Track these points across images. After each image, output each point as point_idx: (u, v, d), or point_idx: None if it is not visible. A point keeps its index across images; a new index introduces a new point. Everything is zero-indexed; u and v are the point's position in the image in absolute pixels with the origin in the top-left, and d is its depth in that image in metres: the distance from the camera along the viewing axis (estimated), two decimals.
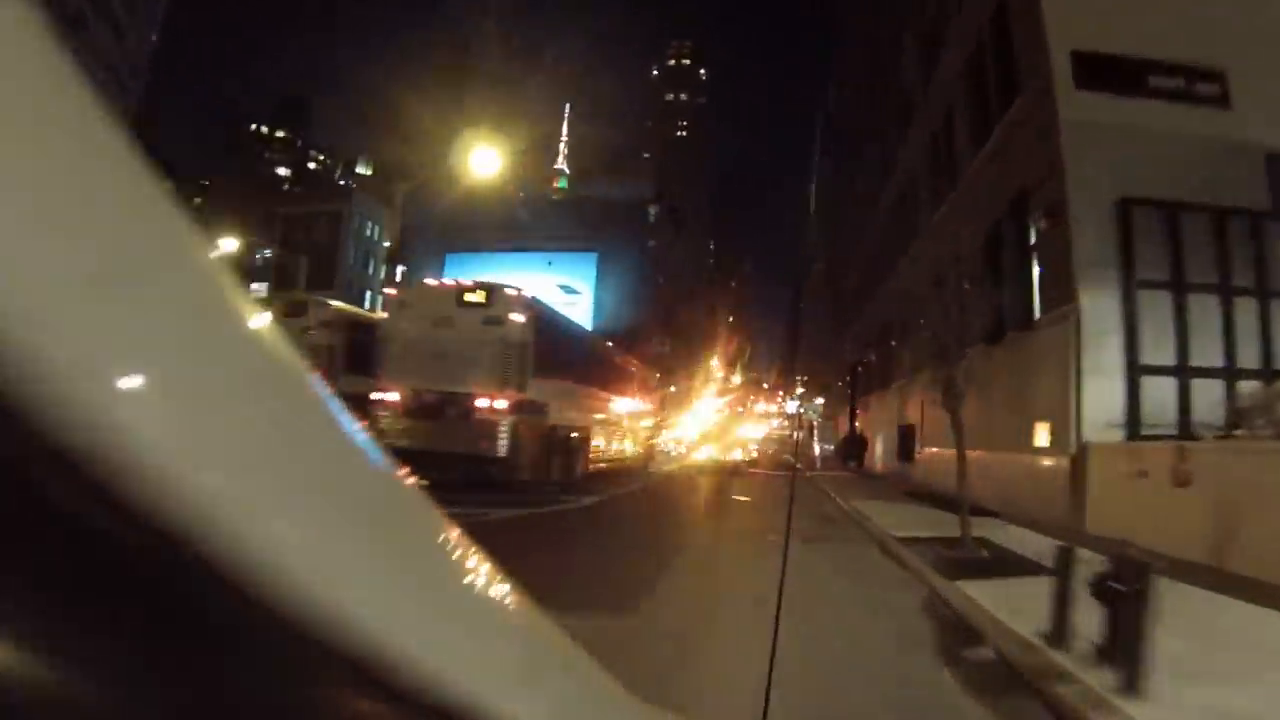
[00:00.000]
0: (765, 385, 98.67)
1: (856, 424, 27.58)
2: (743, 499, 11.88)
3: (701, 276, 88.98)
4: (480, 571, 0.42)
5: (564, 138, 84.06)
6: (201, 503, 0.27)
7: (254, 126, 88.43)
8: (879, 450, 22.22)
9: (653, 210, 58.62)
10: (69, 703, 0.25)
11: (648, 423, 16.68)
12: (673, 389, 49.00)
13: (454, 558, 0.41)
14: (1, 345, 0.23)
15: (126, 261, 0.29)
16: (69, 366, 0.25)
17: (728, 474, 20.32)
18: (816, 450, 25.36)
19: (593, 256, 56.59)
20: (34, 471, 0.25)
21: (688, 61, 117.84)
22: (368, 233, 59.07)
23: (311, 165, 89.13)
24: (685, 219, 75.20)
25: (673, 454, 26.11)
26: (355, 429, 0.37)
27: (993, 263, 12.72)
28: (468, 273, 34.40)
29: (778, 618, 3.33)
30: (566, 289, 55.95)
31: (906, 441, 17.54)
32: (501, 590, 0.43)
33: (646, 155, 73.72)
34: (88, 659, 0.26)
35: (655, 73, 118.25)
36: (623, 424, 14.30)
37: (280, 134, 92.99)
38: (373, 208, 58.91)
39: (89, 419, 0.25)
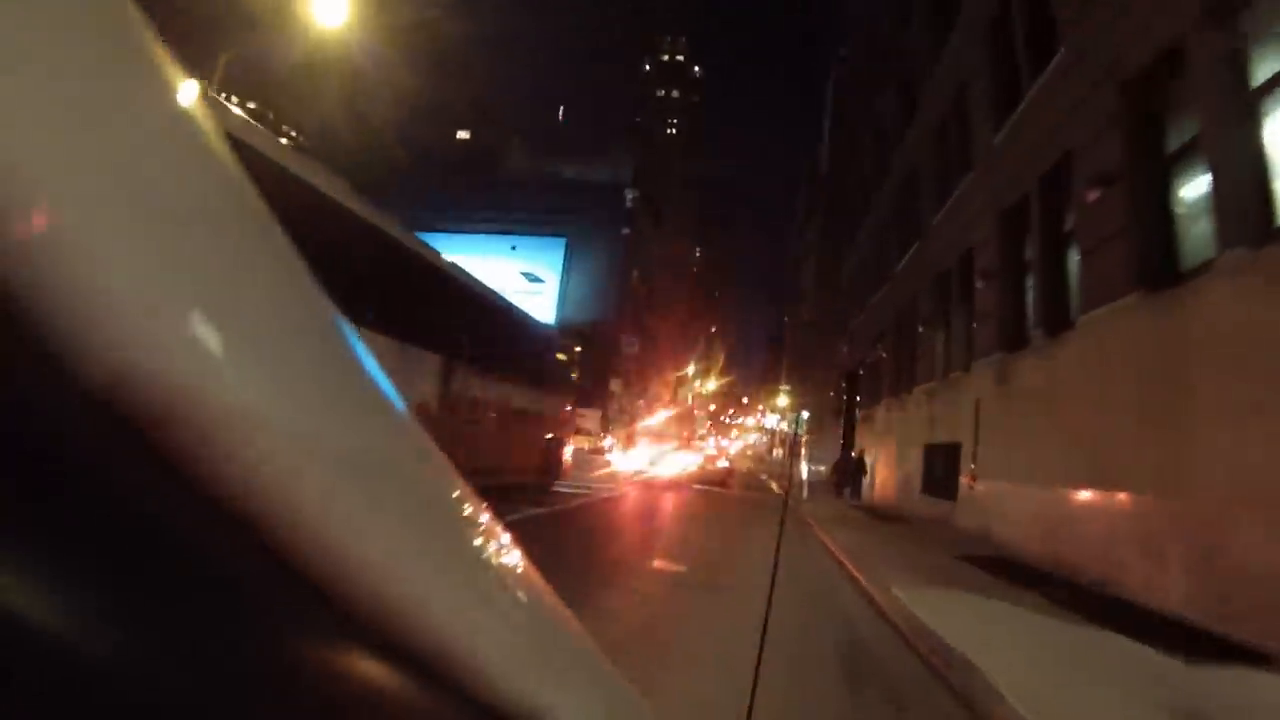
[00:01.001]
0: (745, 400, 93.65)
1: (856, 442, 21.89)
2: (675, 569, 5.97)
3: (683, 281, 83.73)
4: (511, 557, 0.39)
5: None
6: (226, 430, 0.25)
7: (223, 95, 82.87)
8: (888, 477, 16.47)
9: (630, 195, 52.90)
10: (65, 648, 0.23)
11: (547, 417, 10.56)
12: (639, 402, 43.24)
13: (486, 538, 0.38)
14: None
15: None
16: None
17: (680, 501, 14.45)
18: (804, 473, 19.55)
19: (561, 242, 50.82)
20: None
21: (681, 58, 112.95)
22: None
23: (283, 140, 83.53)
24: (665, 211, 69.71)
25: (616, 466, 20.24)
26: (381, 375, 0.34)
27: (1143, 152, 7.08)
28: None
29: None
30: (530, 276, 50.14)
31: (943, 468, 11.81)
32: (532, 581, 0.40)
33: (628, 136, 68.09)
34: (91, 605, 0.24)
35: (646, 67, 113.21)
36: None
37: (251, 105, 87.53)
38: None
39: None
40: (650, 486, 16.67)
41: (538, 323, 11.00)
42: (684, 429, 24.41)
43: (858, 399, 23.20)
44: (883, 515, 13.32)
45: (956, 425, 11.20)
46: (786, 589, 5.39)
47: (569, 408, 11.52)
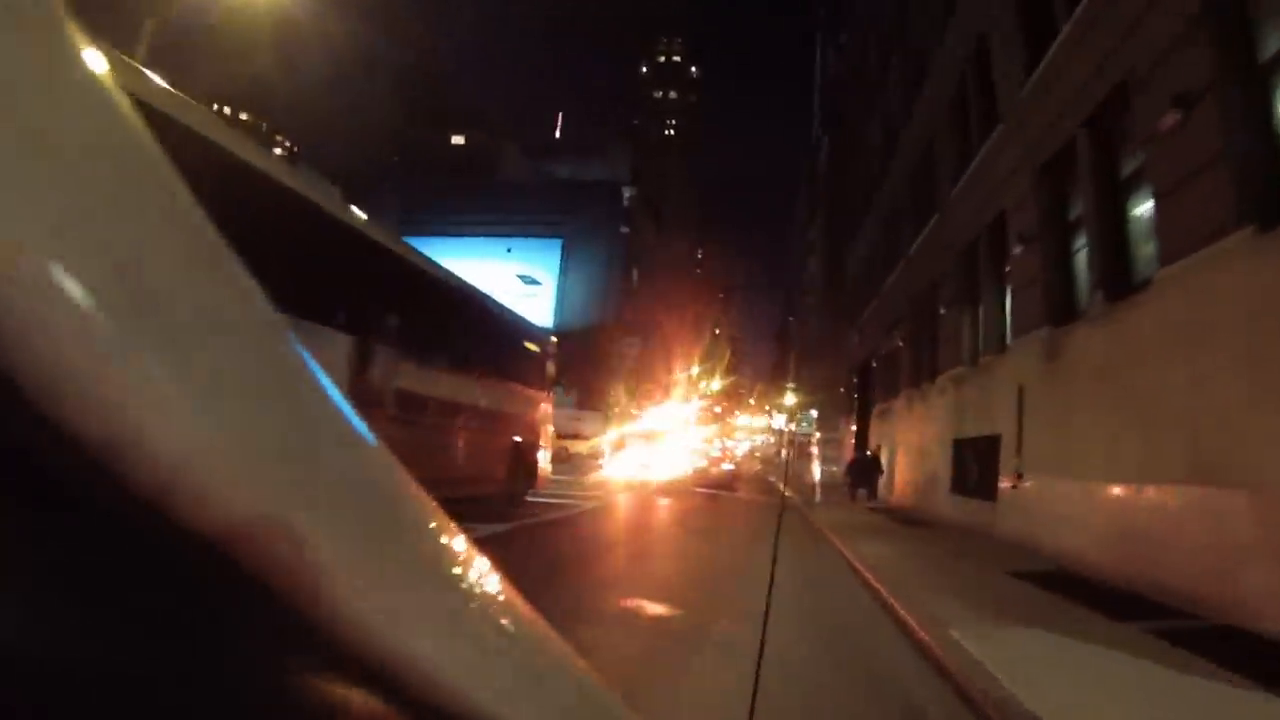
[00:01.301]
0: (751, 401, 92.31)
1: (871, 440, 20.40)
2: (655, 611, 4.48)
3: (686, 282, 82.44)
4: (478, 567, 0.39)
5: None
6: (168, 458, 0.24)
7: (217, 106, 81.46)
8: (909, 477, 14.97)
9: (628, 193, 51.50)
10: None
11: (515, 416, 9.06)
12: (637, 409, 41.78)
13: (447, 546, 0.37)
14: None
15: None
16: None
17: (676, 509, 13.00)
18: (817, 474, 18.03)
19: (557, 243, 49.34)
20: None
21: (678, 58, 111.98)
22: None
23: (278, 151, 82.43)
24: (666, 212, 68.44)
25: (609, 470, 18.81)
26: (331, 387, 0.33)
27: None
28: None
29: None
30: (526, 279, 48.73)
31: (977, 464, 10.33)
32: (500, 589, 0.39)
33: (626, 138, 66.79)
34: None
35: (644, 69, 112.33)
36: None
37: (244, 116, 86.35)
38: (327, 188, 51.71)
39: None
40: (644, 493, 15.20)
41: (500, 305, 9.43)
42: (683, 429, 22.88)
43: (871, 393, 21.71)
44: (906, 520, 11.83)
45: (993, 414, 9.72)
46: (803, 630, 3.97)
47: (545, 407, 10.00)
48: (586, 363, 42.67)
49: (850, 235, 29.58)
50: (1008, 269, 10.21)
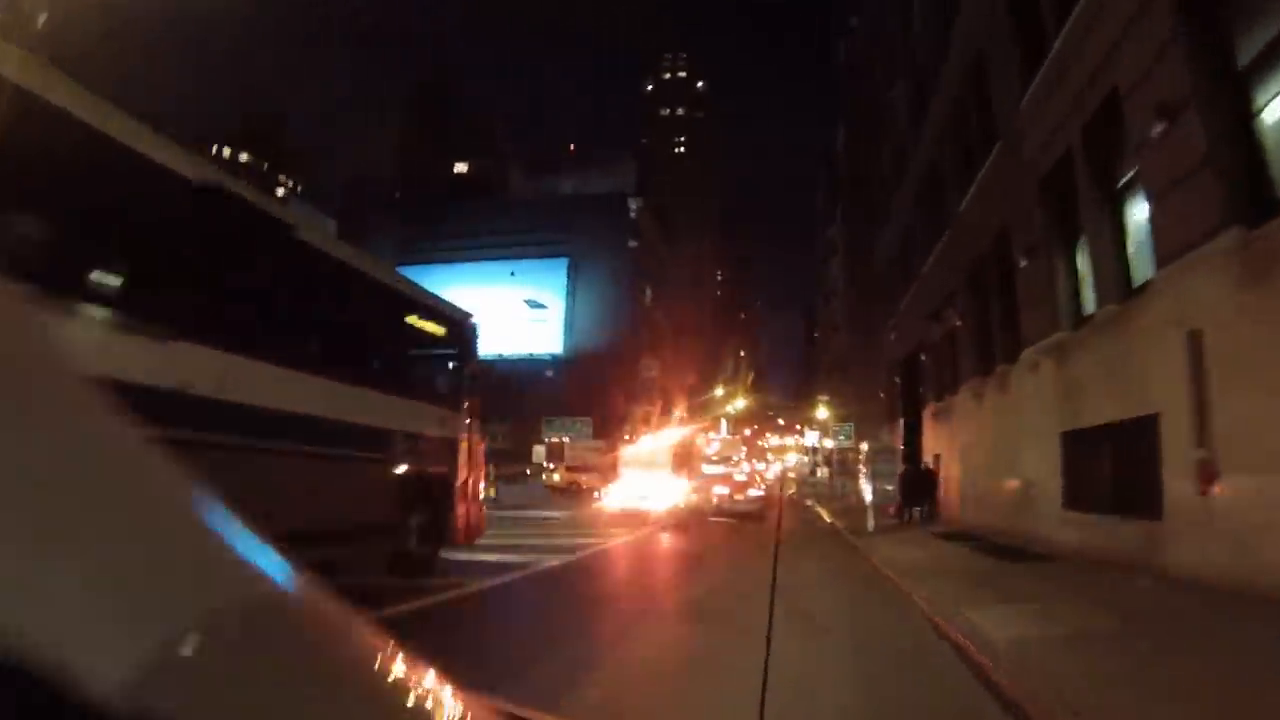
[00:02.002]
0: (781, 421, 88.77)
1: (924, 448, 16.95)
2: None
3: (705, 302, 79.47)
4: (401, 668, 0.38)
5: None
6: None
7: (215, 148, 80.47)
8: (986, 489, 11.48)
9: (635, 204, 48.73)
10: None
11: (409, 440, 5.66)
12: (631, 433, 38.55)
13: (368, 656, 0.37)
14: None
15: None
16: None
17: (680, 555, 9.79)
18: (868, 495, 14.50)
19: (563, 263, 46.52)
20: None
21: (683, 74, 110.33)
22: None
23: (280, 191, 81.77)
24: (680, 230, 65.70)
25: (606, 503, 15.55)
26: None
27: None
28: None
29: None
30: (532, 303, 46.00)
31: (1115, 464, 6.96)
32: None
33: (634, 158, 64.26)
34: None
35: (649, 87, 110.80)
36: None
37: (244, 157, 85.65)
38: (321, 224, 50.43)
39: None
40: (643, 532, 11.88)
41: (371, 260, 5.97)
42: (691, 452, 19.32)
43: (920, 395, 18.27)
44: (999, 550, 8.44)
45: (1139, 386, 6.40)
46: None
47: (466, 422, 6.51)
48: (601, 388, 39.59)
49: (876, 224, 26.56)
50: (1131, 173, 6.97)
